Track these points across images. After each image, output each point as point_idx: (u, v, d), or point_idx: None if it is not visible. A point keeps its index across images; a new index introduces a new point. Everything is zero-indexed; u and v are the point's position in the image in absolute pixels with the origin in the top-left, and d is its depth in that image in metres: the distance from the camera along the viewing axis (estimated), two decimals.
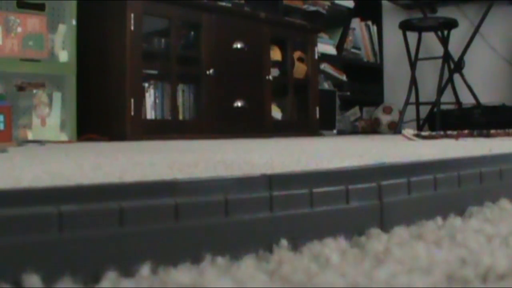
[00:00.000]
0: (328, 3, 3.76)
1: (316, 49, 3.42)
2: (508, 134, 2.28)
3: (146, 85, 2.64)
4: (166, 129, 2.64)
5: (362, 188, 0.44)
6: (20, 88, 2.40)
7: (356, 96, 4.02)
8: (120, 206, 0.33)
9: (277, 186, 0.47)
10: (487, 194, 0.55)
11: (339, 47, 3.91)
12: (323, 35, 3.71)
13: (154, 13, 2.60)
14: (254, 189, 0.40)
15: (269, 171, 0.72)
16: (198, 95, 2.80)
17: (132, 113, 2.47)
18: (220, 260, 0.35)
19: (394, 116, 3.93)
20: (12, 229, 0.29)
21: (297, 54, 3.34)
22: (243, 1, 3.11)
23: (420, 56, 3.75)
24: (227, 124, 2.84)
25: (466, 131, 2.37)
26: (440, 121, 3.52)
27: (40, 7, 2.40)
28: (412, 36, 3.71)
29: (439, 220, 0.48)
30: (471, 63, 3.83)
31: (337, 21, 3.91)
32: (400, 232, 0.43)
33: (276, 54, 3.20)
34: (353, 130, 4.01)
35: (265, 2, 3.26)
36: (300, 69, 3.34)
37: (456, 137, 2.25)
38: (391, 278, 0.32)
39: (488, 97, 3.73)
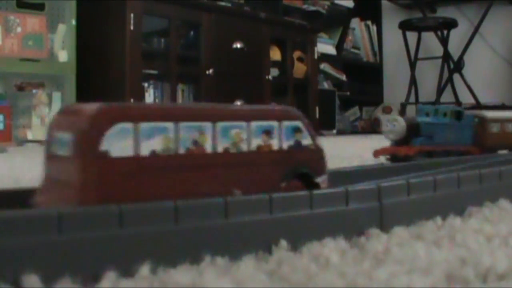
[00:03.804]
0: (327, 3, 3.75)
1: (315, 49, 3.42)
2: None
3: (146, 85, 2.64)
4: None
5: (361, 189, 0.44)
6: (20, 88, 2.40)
7: (356, 96, 4.02)
8: (120, 207, 0.33)
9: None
10: (486, 194, 0.55)
11: (339, 47, 3.91)
12: (322, 35, 3.71)
13: (154, 13, 2.60)
14: None
15: None
16: (198, 95, 2.79)
17: None
18: (219, 260, 0.35)
19: None
20: (12, 229, 0.29)
21: (296, 54, 3.34)
22: (243, 1, 3.11)
23: (419, 56, 3.75)
24: None
25: None
26: None
27: (39, 7, 2.40)
28: (412, 36, 3.71)
29: (438, 220, 0.48)
30: (471, 63, 3.83)
31: (337, 21, 3.91)
32: (400, 232, 0.43)
33: (275, 54, 3.19)
34: (352, 130, 4.01)
35: (265, 2, 3.26)
36: (299, 69, 3.33)
37: None
38: (391, 278, 0.32)
39: (488, 97, 3.73)
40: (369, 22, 4.25)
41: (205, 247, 0.35)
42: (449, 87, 3.75)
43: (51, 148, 0.38)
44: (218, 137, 0.39)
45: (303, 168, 0.44)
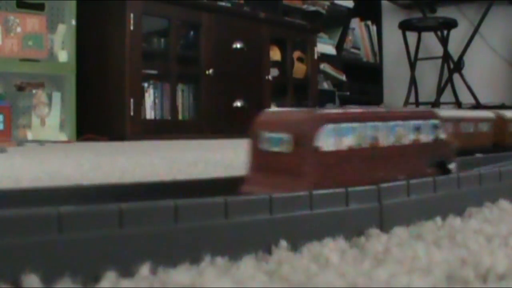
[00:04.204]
0: (327, 3, 3.75)
1: (315, 49, 3.42)
2: None
3: (146, 85, 2.64)
4: (166, 129, 2.64)
5: (361, 190, 0.44)
6: (20, 88, 2.40)
7: (356, 96, 4.02)
8: (120, 206, 0.33)
9: None
10: (486, 194, 0.55)
11: (339, 47, 3.91)
12: (322, 35, 3.71)
13: (154, 13, 2.60)
14: None
15: None
16: (198, 95, 2.79)
17: (132, 113, 2.47)
18: (219, 260, 0.35)
19: None
20: (12, 229, 0.29)
21: (296, 54, 3.34)
22: (242, 1, 3.11)
23: (419, 56, 3.75)
24: (227, 124, 2.84)
25: None
26: None
27: (39, 7, 2.40)
28: (412, 36, 3.71)
29: (438, 220, 0.48)
30: (471, 63, 3.83)
31: (337, 21, 3.91)
32: (400, 232, 0.43)
33: (275, 54, 3.19)
34: None
35: (264, 2, 3.26)
36: (299, 69, 3.34)
37: None
38: (391, 278, 0.32)
39: (487, 97, 3.73)
40: (369, 22, 4.25)
41: (205, 247, 0.35)
42: (449, 87, 3.75)
43: (260, 145, 0.48)
44: (388, 133, 0.50)
45: (441, 157, 0.55)
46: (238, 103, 2.89)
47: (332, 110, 0.48)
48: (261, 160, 0.48)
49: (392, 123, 0.50)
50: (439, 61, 3.64)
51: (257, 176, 0.49)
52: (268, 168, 0.47)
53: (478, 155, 0.84)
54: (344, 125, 0.46)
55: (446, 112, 0.97)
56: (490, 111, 0.98)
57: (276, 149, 0.47)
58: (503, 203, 0.55)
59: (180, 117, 2.76)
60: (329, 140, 0.45)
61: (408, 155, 0.51)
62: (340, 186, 0.42)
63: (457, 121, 0.93)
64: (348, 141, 0.47)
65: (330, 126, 0.46)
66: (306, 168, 0.45)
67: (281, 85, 3.21)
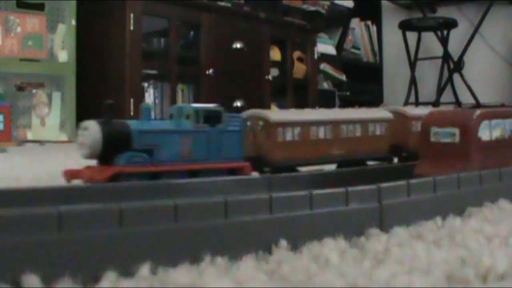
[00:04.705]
0: (327, 3, 3.75)
1: (315, 49, 3.42)
2: None
3: (146, 85, 2.63)
4: None
5: (361, 190, 0.44)
6: (20, 88, 2.40)
7: (356, 96, 4.01)
8: (120, 206, 0.33)
9: (276, 187, 0.47)
10: (486, 194, 0.55)
11: (339, 47, 3.90)
12: (322, 35, 3.71)
13: (154, 13, 2.60)
14: (253, 190, 0.40)
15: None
16: (198, 95, 2.79)
17: (132, 113, 2.46)
18: (219, 260, 0.35)
19: None
20: (12, 229, 0.29)
21: (296, 54, 3.34)
22: (242, 1, 3.11)
23: (419, 56, 3.75)
24: None
25: None
26: None
27: (39, 7, 2.40)
28: (412, 36, 3.71)
29: (438, 220, 0.48)
30: (471, 63, 3.82)
31: (337, 21, 3.91)
32: (400, 232, 0.43)
33: (275, 54, 3.19)
34: None
35: (264, 2, 3.25)
36: (299, 69, 3.33)
37: None
38: (391, 278, 0.32)
39: (488, 97, 3.73)
40: (369, 22, 4.25)
41: (205, 247, 0.35)
42: (449, 87, 3.75)
43: (431, 137, 0.63)
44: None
45: None
46: (238, 103, 2.89)
47: (484, 109, 0.62)
48: (431, 149, 0.63)
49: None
50: (439, 61, 3.63)
51: (428, 161, 0.64)
52: (438, 155, 0.63)
53: None
54: (493, 121, 0.62)
55: (282, 113, 0.89)
56: None
57: (445, 140, 0.62)
58: (503, 203, 0.55)
59: None
60: (485, 132, 0.61)
61: None
62: (493, 168, 0.57)
63: (305, 125, 0.83)
64: (495, 134, 0.62)
65: (486, 122, 0.61)
66: (472, 154, 0.60)
67: (281, 85, 3.20)
